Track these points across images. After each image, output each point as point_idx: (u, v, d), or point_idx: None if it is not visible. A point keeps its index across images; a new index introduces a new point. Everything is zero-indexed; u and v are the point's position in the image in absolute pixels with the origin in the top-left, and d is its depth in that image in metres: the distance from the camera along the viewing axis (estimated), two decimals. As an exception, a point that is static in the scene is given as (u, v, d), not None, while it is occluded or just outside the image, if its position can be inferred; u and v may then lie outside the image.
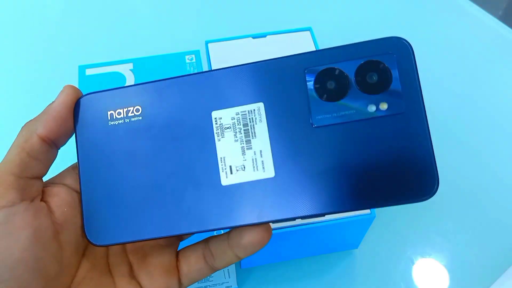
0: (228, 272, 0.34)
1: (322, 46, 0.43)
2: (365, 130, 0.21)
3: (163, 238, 0.24)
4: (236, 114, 0.23)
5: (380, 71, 0.22)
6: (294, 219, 0.22)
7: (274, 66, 0.22)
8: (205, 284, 0.35)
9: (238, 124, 0.23)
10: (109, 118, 0.24)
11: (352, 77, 0.22)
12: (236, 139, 0.22)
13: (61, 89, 0.24)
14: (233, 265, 0.33)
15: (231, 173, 0.22)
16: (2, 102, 0.50)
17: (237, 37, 0.41)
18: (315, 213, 0.21)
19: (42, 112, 0.24)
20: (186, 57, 0.43)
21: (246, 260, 0.37)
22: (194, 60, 0.43)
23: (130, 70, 0.42)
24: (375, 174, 0.21)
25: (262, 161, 0.22)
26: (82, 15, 0.58)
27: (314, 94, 0.22)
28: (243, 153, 0.22)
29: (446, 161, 0.45)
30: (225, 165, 0.22)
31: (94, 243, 0.23)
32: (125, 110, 0.24)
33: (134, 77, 0.42)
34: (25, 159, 0.21)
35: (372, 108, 0.22)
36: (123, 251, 0.25)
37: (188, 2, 0.59)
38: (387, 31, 0.55)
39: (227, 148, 0.22)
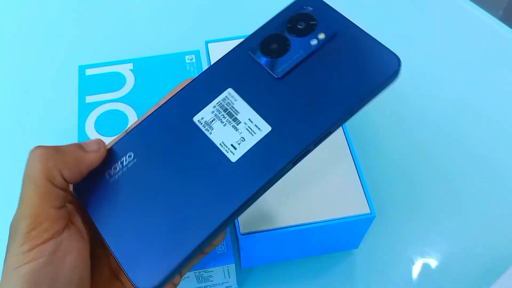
0: (228, 272, 0.34)
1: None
2: (320, 57, 0.26)
3: None
4: (213, 107, 0.26)
5: (304, 17, 0.28)
6: (308, 147, 0.24)
7: (227, 60, 0.27)
8: (205, 284, 0.35)
9: (219, 113, 0.26)
10: (109, 177, 0.26)
11: (287, 34, 0.27)
12: (224, 124, 0.25)
13: (96, 144, 0.25)
14: (233, 265, 0.33)
15: (235, 148, 0.25)
16: (2, 102, 0.50)
17: (237, 37, 0.41)
18: (322, 131, 0.24)
19: (71, 152, 0.24)
20: (186, 57, 0.43)
21: (246, 260, 0.37)
22: (194, 60, 0.43)
23: (130, 70, 0.42)
24: (348, 80, 0.25)
25: (255, 125, 0.25)
26: (82, 15, 0.58)
27: (265, 58, 0.27)
28: (236, 129, 0.25)
29: (447, 161, 0.45)
30: (226, 147, 0.25)
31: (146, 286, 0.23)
32: (119, 163, 0.26)
33: (134, 77, 0.42)
34: (57, 192, 0.23)
35: (314, 41, 0.27)
36: None
37: (188, 2, 0.59)
38: (387, 31, 0.55)
39: (220, 134, 0.25)
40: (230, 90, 0.26)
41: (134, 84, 0.41)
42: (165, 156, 0.25)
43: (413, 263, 0.39)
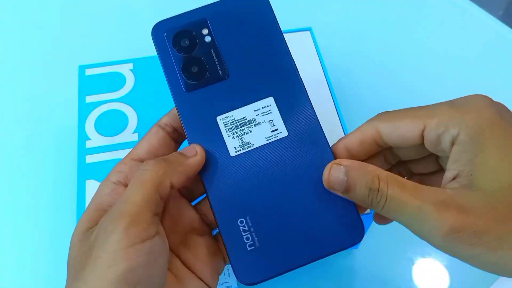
0: (229, 272, 0.34)
1: (322, 46, 0.43)
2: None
3: (197, 230, 0.28)
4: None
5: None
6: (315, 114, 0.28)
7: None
8: (205, 284, 0.35)
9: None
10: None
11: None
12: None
13: (194, 149, 0.27)
14: (233, 265, 0.33)
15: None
16: (2, 102, 0.50)
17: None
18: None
19: (176, 160, 0.26)
20: (186, 57, 0.43)
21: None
22: (194, 60, 0.43)
23: (130, 70, 0.42)
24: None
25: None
26: (82, 15, 0.58)
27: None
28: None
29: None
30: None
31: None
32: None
33: (134, 77, 0.42)
34: (158, 200, 0.25)
35: None
36: (169, 250, 0.27)
37: (188, 2, 0.59)
38: (387, 31, 0.55)
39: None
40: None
41: (134, 84, 0.41)
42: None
43: (413, 263, 0.39)
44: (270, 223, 0.26)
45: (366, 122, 0.27)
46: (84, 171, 0.36)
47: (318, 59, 0.41)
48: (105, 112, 0.40)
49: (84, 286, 0.22)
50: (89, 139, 0.38)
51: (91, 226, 0.25)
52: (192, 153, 0.27)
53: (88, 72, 0.42)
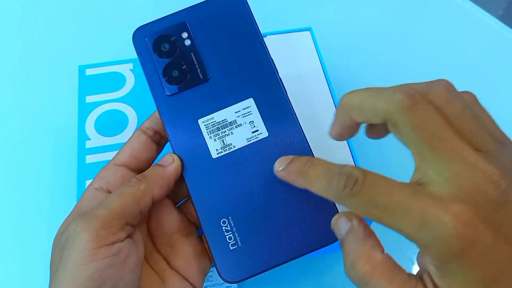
0: (228, 272, 0.34)
1: (322, 46, 0.43)
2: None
3: (182, 231, 0.28)
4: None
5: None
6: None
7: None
8: (205, 284, 0.35)
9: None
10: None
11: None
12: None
13: (170, 157, 0.28)
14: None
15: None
16: (2, 102, 0.50)
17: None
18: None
19: (155, 174, 0.27)
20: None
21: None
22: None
23: (130, 70, 0.42)
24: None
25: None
26: (82, 15, 0.58)
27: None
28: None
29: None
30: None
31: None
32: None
33: (134, 77, 0.42)
34: (136, 213, 0.26)
35: None
36: (155, 251, 0.28)
37: (188, 2, 0.59)
38: (387, 31, 0.55)
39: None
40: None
41: (134, 84, 0.41)
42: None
43: (413, 263, 0.39)
44: (251, 223, 0.27)
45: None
46: (84, 171, 0.36)
47: (318, 59, 0.41)
48: (105, 112, 0.40)
49: (58, 286, 0.23)
50: (89, 139, 0.38)
51: (65, 229, 0.25)
52: (169, 162, 0.28)
53: (88, 72, 0.42)
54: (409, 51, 0.54)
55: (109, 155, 0.37)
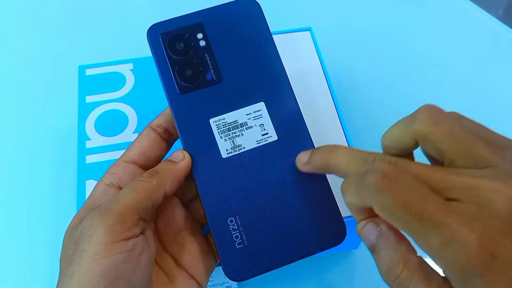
0: (228, 272, 0.34)
1: (322, 46, 0.43)
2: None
3: (189, 230, 0.29)
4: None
5: None
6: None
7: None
8: (205, 284, 0.35)
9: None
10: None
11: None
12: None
13: (180, 153, 0.28)
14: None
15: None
16: (2, 102, 0.50)
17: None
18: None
19: (167, 169, 0.27)
20: (186, 57, 0.43)
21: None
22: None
23: (130, 70, 0.42)
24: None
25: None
26: (82, 15, 0.58)
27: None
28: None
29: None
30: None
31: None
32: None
33: (134, 77, 0.42)
34: (148, 207, 0.26)
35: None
36: (162, 249, 0.28)
37: (188, 2, 0.59)
38: (387, 31, 0.55)
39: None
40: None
41: (134, 84, 0.41)
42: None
43: (413, 263, 0.39)
44: (258, 223, 0.27)
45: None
46: (84, 171, 0.36)
47: (318, 59, 0.41)
48: (105, 112, 0.40)
49: (70, 281, 0.23)
50: (89, 139, 0.38)
51: (78, 224, 0.25)
52: (180, 158, 0.28)
53: (88, 72, 0.42)
54: (409, 51, 0.54)
55: (109, 155, 0.37)
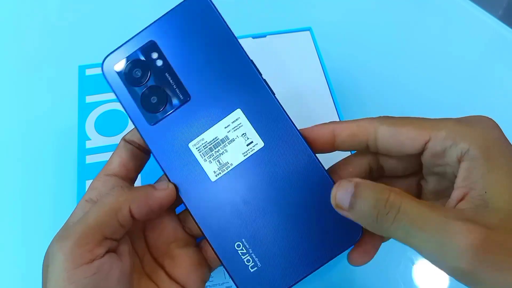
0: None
1: (322, 46, 0.43)
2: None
3: (180, 241, 0.28)
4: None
5: None
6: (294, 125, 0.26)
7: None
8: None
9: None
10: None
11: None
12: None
13: (165, 184, 0.27)
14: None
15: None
16: (2, 102, 0.50)
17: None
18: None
19: (142, 190, 0.26)
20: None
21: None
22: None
23: (130, 70, 0.42)
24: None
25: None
26: (82, 15, 0.58)
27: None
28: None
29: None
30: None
31: None
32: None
33: (134, 77, 0.42)
34: (115, 226, 0.24)
35: None
36: (153, 261, 0.27)
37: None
38: (387, 30, 0.55)
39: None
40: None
41: (134, 84, 0.41)
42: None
43: (413, 263, 0.39)
44: (266, 241, 0.26)
45: (366, 118, 0.26)
46: (84, 171, 0.36)
47: (318, 59, 0.41)
48: (105, 112, 0.40)
49: None
50: (89, 139, 0.38)
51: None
52: (163, 188, 0.26)
53: (88, 72, 0.42)
54: (409, 51, 0.54)
55: (109, 155, 0.37)
